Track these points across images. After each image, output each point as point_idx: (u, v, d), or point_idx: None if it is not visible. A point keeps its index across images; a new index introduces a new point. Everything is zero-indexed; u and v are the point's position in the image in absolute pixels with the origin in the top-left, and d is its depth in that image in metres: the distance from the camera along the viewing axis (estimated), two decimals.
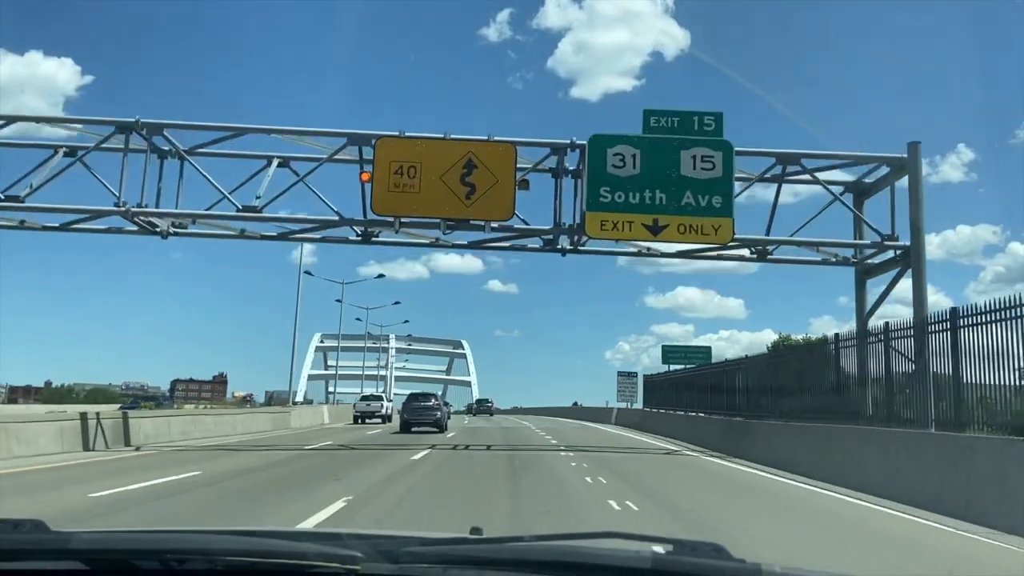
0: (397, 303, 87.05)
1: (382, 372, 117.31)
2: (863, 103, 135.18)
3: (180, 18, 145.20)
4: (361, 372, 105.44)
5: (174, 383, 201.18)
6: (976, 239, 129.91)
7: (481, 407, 69.51)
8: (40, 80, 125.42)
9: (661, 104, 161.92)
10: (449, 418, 34.30)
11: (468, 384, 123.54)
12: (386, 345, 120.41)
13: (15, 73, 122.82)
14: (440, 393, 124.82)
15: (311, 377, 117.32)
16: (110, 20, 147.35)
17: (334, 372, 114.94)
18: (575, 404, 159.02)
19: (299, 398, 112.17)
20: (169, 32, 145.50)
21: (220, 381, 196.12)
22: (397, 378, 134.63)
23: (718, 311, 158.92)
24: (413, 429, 26.51)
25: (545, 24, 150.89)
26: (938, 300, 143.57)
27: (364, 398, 42.75)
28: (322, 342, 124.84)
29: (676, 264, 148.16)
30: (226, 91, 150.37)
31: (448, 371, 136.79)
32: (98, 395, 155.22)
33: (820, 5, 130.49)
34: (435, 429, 26.84)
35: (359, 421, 37.54)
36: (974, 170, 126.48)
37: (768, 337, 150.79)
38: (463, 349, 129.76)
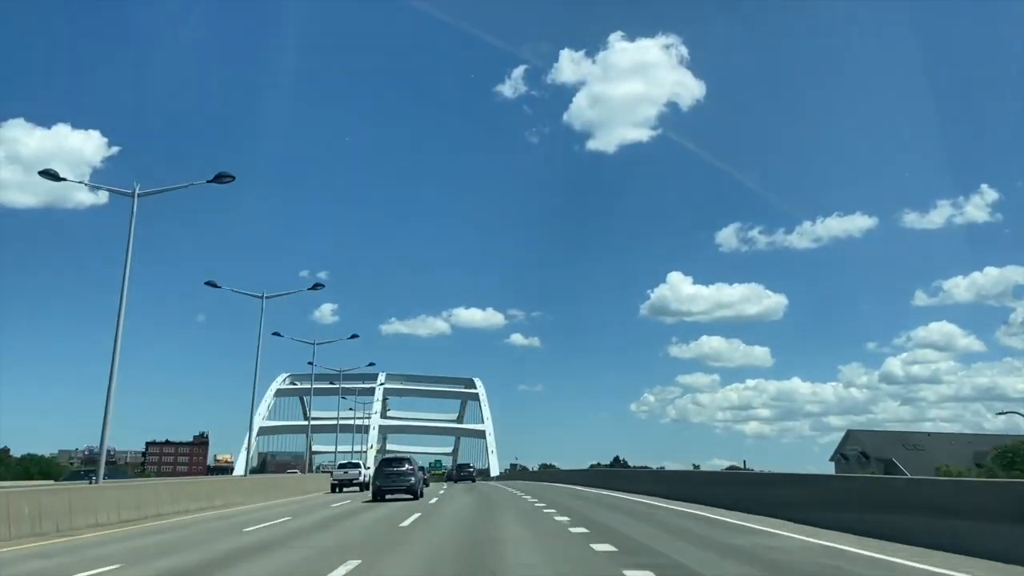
0: (372, 364, 68.95)
1: (366, 421, 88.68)
2: (885, 148, 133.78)
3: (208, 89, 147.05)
4: (343, 423, 76.78)
5: (148, 446, 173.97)
6: (1005, 280, 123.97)
7: (462, 473, 60.16)
8: (67, 152, 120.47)
9: (676, 154, 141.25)
10: (427, 485, 33.68)
11: (483, 435, 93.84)
12: (372, 386, 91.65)
13: (43, 146, 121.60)
14: (451, 448, 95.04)
15: (264, 431, 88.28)
16: (136, 90, 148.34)
17: (316, 424, 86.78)
18: (617, 460, 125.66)
19: (238, 467, 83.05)
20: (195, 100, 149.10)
21: (200, 442, 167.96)
22: (394, 428, 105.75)
23: (744, 360, 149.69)
24: (387, 497, 25.50)
25: (560, 79, 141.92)
26: (969, 343, 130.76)
27: (341, 466, 40.84)
28: (293, 384, 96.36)
29: (699, 314, 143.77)
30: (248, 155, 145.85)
31: (460, 418, 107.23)
32: (33, 465, 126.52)
33: (832, 52, 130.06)
34: (409, 496, 25.53)
35: (337, 490, 36.27)
36: (999, 210, 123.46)
37: (797, 386, 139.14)
38: (476, 388, 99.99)
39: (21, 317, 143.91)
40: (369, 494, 28.57)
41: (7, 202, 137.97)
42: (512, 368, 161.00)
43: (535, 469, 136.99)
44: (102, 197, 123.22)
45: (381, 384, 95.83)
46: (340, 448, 79.49)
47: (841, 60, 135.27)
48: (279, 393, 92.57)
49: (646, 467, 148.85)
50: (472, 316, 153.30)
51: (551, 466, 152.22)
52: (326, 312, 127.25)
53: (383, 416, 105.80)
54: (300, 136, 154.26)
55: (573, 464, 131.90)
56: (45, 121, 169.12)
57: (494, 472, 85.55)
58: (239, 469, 77.27)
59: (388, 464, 27.38)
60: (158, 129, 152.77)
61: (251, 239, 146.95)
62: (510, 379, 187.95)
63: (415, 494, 25.69)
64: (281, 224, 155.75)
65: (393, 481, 25.82)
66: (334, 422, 76.47)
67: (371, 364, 64.40)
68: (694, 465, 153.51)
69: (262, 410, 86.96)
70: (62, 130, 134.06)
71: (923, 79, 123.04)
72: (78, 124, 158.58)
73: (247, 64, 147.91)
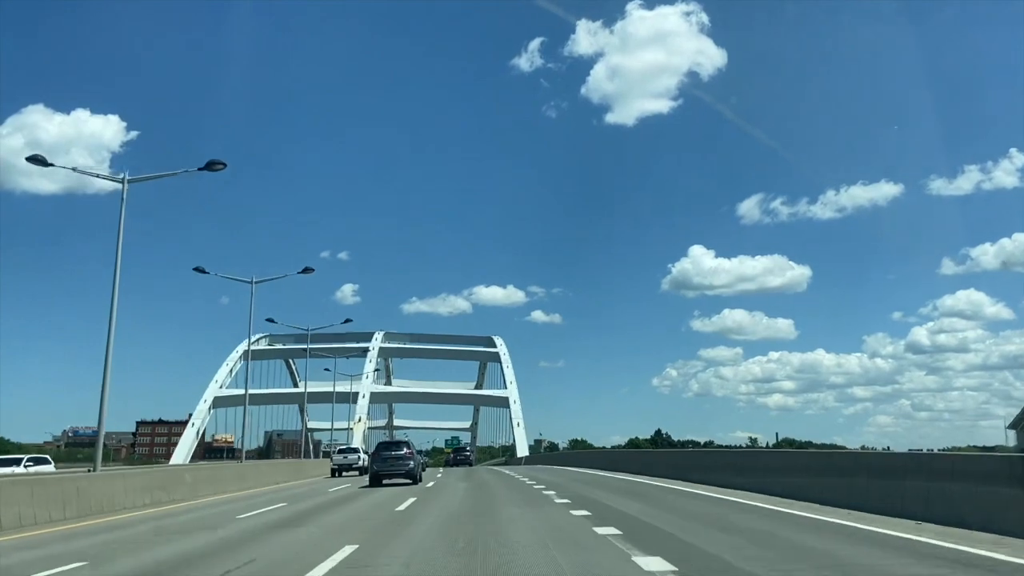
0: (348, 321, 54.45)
1: (355, 388, 70.72)
2: (912, 114, 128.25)
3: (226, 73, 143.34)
4: (335, 391, 59.49)
5: (139, 426, 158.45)
6: None
7: (459, 457, 52.96)
8: (87, 137, 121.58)
9: (697, 125, 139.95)
10: (424, 469, 32.33)
11: (506, 403, 75.05)
12: (366, 346, 73.42)
13: (63, 132, 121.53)
14: (469, 423, 76.24)
15: (220, 401, 70.20)
16: (154, 74, 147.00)
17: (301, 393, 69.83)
18: (660, 434, 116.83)
19: (177, 453, 65.48)
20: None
21: None
22: (398, 397, 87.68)
23: (767, 332, 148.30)
24: (384, 482, 24.29)
25: (577, 51, 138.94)
26: (998, 311, 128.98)
27: (341, 451, 39.93)
28: (270, 345, 77.92)
29: (721, 287, 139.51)
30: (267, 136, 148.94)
31: (480, 382, 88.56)
32: None
33: (855, 16, 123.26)
34: (408, 480, 24.43)
35: (336, 474, 35.34)
36: None
37: (821, 358, 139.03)
38: (496, 347, 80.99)
39: (22, 308, 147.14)
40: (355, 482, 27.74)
41: (30, 188, 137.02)
42: (533, 345, 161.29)
43: (565, 447, 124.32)
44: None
45: (378, 344, 77.16)
46: (335, 424, 62.32)
47: (865, 24, 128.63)
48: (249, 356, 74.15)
49: (692, 443, 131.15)
50: (493, 294, 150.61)
51: (582, 443, 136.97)
52: (347, 293, 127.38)
53: (387, 384, 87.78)
54: (318, 118, 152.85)
55: (602, 440, 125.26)
56: (64, 107, 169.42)
57: (521, 450, 66.70)
58: (178, 456, 59.41)
59: (385, 448, 26.27)
60: (178, 113, 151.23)
61: (271, 221, 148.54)
62: (531, 356, 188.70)
63: (414, 478, 24.58)
64: (301, 205, 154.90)
65: (391, 465, 24.63)
66: (314, 391, 58.89)
67: (348, 320, 46.23)
68: (750, 439, 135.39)
69: (221, 375, 68.85)
70: (81, 115, 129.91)
71: (950, 42, 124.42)
72: (97, 109, 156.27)
73: (262, 48, 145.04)
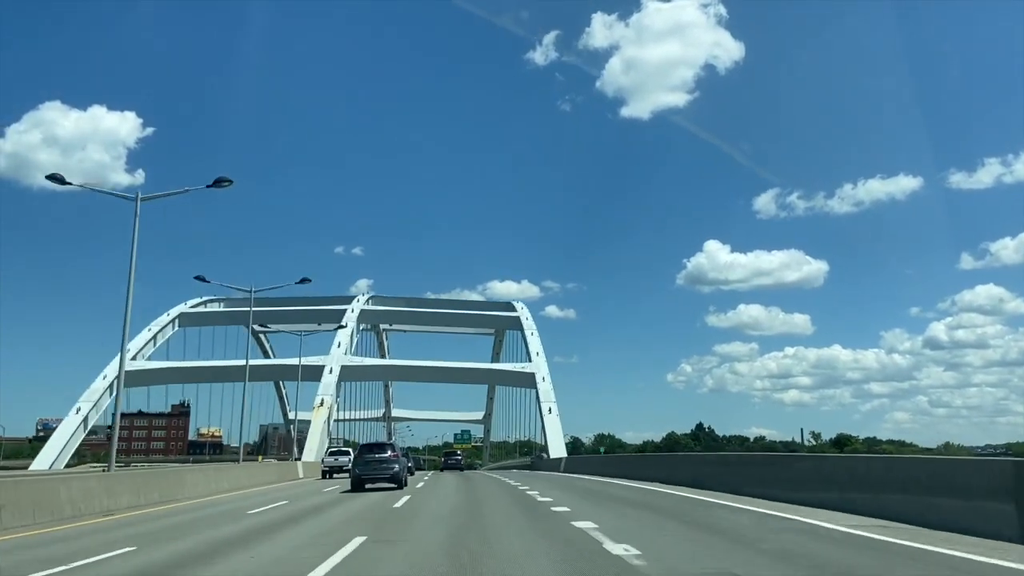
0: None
1: (344, 362, 53.11)
2: (931, 105, 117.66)
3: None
4: (312, 363, 42.08)
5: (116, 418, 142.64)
6: None
7: (449, 461, 48.37)
8: (103, 133, 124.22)
9: (712, 116, 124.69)
10: (412, 473, 31.86)
11: (531, 382, 56.36)
12: (343, 308, 55.36)
13: (79, 128, 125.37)
14: (483, 413, 58.96)
15: (133, 377, 51.59)
16: (171, 71, 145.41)
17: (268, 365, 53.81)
18: (701, 427, 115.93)
19: (46, 452, 47.53)
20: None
21: (180, 413, 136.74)
22: (392, 371, 69.61)
23: (783, 328, 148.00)
24: (367, 486, 23.11)
25: (592, 44, 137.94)
26: (1017, 306, 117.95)
27: (331, 452, 40.17)
28: (223, 307, 59.06)
29: (737, 282, 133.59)
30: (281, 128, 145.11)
31: (496, 354, 70.02)
32: None
33: (874, 6, 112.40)
34: (392, 485, 23.09)
35: (327, 476, 35.20)
36: None
37: (837, 353, 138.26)
38: (515, 312, 62.39)
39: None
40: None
41: (47, 185, 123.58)
42: (547, 341, 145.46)
43: (590, 443, 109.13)
44: (139, 178, 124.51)
45: (361, 305, 58.82)
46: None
47: (886, 15, 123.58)
48: (187, 321, 56.34)
49: (739, 439, 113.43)
50: (507, 289, 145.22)
51: (610, 438, 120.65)
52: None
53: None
54: (332, 115, 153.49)
55: (625, 436, 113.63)
56: (81, 103, 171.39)
57: (555, 448, 47.79)
58: (45, 457, 41.67)
59: (368, 450, 24.57)
60: (193, 109, 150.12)
61: (286, 216, 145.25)
62: (546, 352, 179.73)
63: (399, 483, 23.06)
64: (316, 201, 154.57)
65: (374, 469, 23.04)
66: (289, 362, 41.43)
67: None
68: (813, 436, 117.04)
69: (138, 344, 50.97)
70: (98, 112, 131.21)
71: (971, 33, 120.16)
72: (113, 106, 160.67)
73: (276, 44, 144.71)
